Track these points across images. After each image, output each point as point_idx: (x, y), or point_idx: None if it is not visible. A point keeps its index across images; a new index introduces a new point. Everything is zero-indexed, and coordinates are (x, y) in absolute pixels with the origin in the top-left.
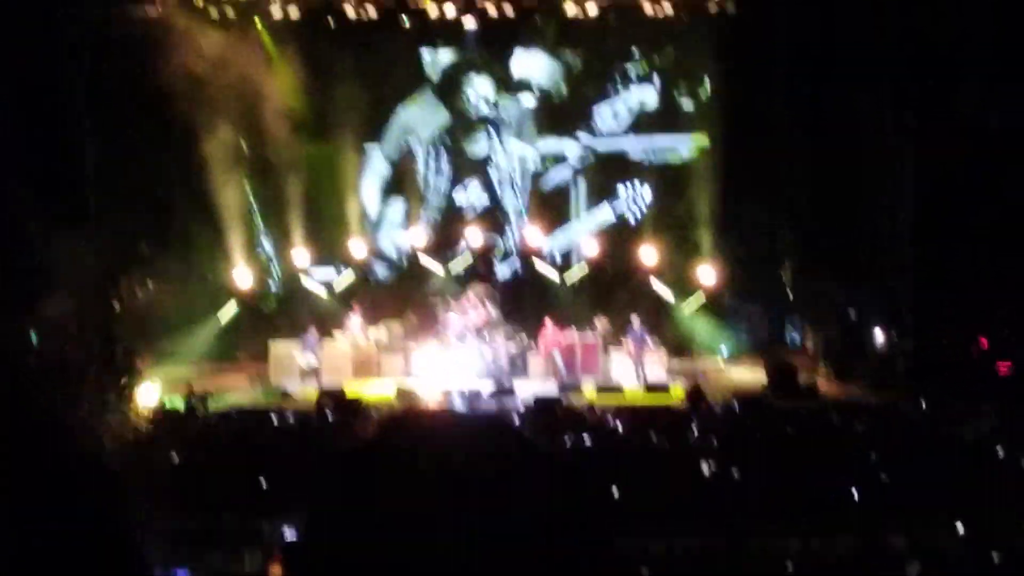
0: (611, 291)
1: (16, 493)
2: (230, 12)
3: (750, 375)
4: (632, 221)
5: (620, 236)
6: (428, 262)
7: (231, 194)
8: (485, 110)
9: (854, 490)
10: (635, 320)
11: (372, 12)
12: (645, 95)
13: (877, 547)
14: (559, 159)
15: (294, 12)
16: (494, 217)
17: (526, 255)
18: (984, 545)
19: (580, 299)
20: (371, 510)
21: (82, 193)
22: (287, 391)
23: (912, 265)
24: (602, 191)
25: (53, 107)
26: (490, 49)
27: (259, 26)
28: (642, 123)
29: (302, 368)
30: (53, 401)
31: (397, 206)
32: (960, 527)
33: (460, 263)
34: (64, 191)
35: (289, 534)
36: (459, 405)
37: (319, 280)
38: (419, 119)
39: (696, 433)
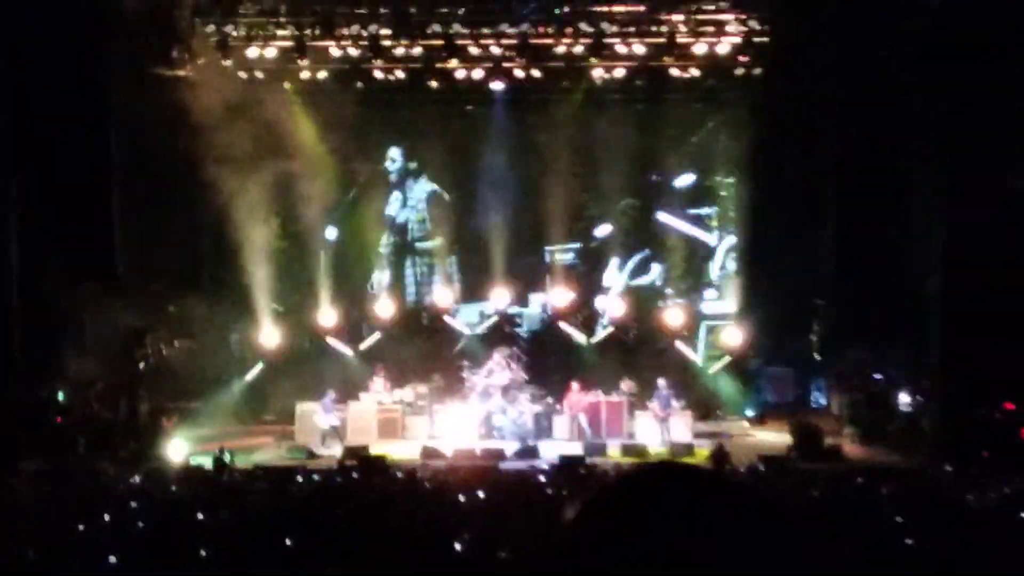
0: (637, 353)
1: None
2: (259, 73)
3: (775, 437)
4: (656, 281)
5: (646, 298)
6: (454, 323)
7: (258, 255)
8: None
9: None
10: (661, 382)
11: (400, 75)
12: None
13: None
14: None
15: (322, 75)
16: (522, 279)
17: (552, 317)
18: None
19: (606, 361)
20: None
21: (110, 254)
22: (312, 450)
23: (938, 329)
24: (629, 255)
25: (82, 168)
26: (517, 111)
27: (288, 87)
28: (671, 197)
29: (323, 429)
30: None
31: (421, 268)
32: None
33: (486, 324)
34: (92, 252)
35: None
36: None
37: (344, 341)
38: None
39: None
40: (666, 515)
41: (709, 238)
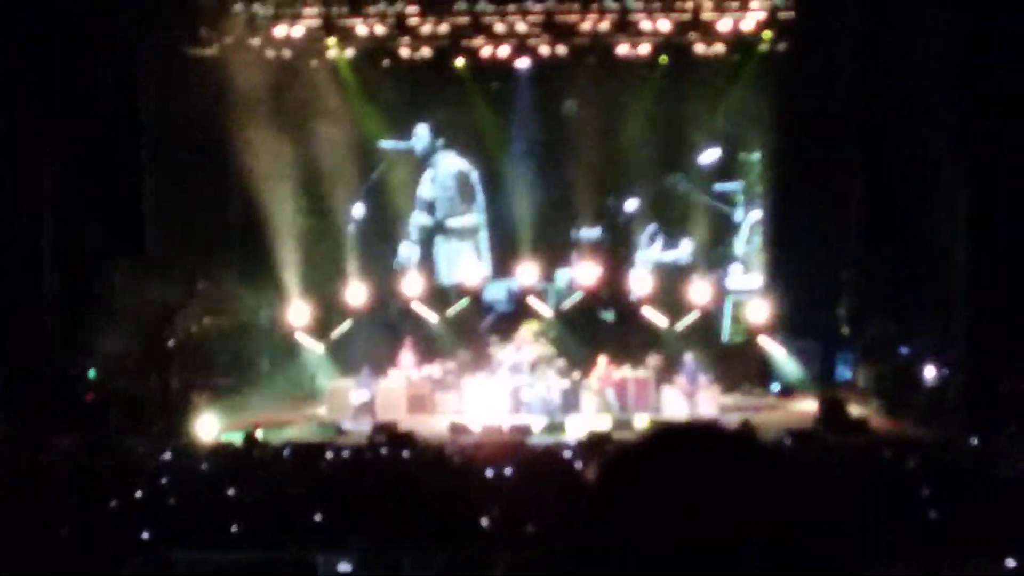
0: (663, 328)
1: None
2: (287, 52)
3: (802, 410)
4: (684, 258)
5: (673, 274)
6: (483, 300)
7: (287, 232)
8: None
9: (904, 525)
10: (688, 356)
11: (427, 53)
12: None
13: None
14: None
15: (349, 52)
16: (550, 255)
17: (580, 292)
18: None
19: (633, 336)
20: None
21: (140, 230)
22: (342, 427)
23: (965, 301)
24: (660, 232)
25: (113, 144)
26: (543, 89)
27: (315, 65)
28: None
29: (355, 405)
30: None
31: (450, 246)
32: (1010, 562)
33: (514, 300)
34: (123, 228)
35: (343, 567)
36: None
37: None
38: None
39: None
40: (688, 475)
41: (734, 212)
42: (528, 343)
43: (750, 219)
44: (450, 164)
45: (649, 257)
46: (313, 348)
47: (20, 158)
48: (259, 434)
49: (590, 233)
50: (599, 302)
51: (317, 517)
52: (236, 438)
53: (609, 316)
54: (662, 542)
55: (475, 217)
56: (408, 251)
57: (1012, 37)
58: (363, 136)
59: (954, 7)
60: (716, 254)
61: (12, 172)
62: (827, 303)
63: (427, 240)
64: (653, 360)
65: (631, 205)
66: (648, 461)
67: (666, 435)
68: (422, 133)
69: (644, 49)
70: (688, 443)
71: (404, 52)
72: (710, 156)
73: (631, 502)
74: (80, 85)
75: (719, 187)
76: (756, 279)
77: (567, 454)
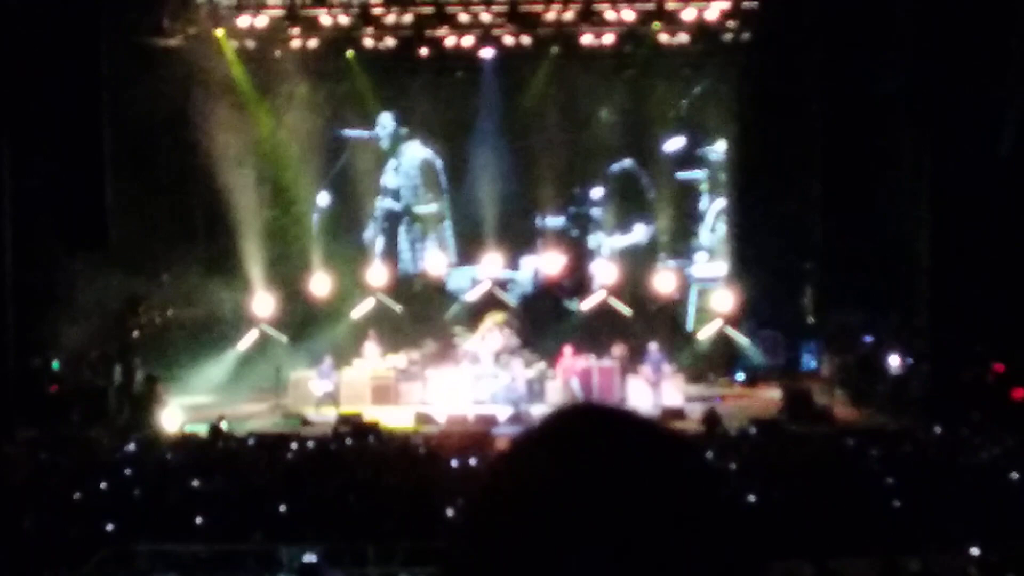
0: (628, 318)
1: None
2: (250, 43)
3: (766, 400)
4: (647, 244)
5: (637, 263)
6: (447, 289)
7: (251, 222)
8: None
9: (868, 513)
10: (652, 346)
11: (391, 43)
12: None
13: (892, 570)
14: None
15: (313, 43)
16: (514, 244)
17: (544, 282)
18: (997, 569)
19: (598, 325)
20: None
21: (103, 221)
22: (306, 417)
23: (928, 291)
24: (620, 219)
25: (76, 135)
26: (507, 79)
27: (279, 55)
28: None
29: (317, 396)
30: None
31: (414, 234)
32: (974, 551)
33: (478, 289)
34: (85, 219)
35: (308, 558)
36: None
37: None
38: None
39: (711, 458)
40: (576, 459)
41: (699, 200)
42: (493, 333)
43: (714, 208)
44: (414, 152)
45: (610, 244)
46: (278, 339)
47: None
48: (224, 425)
49: (555, 222)
50: (563, 291)
51: (282, 508)
52: (201, 429)
53: (574, 305)
54: (549, 529)
55: (439, 206)
56: (372, 239)
57: (974, 25)
58: (327, 125)
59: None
60: (679, 242)
61: None
62: (791, 293)
63: (391, 229)
64: (618, 350)
65: (596, 193)
66: (537, 448)
67: (555, 422)
68: (386, 122)
69: (608, 39)
70: (577, 428)
71: (368, 42)
72: (674, 145)
73: (520, 491)
74: (41, 75)
75: (682, 175)
76: (721, 268)
77: None
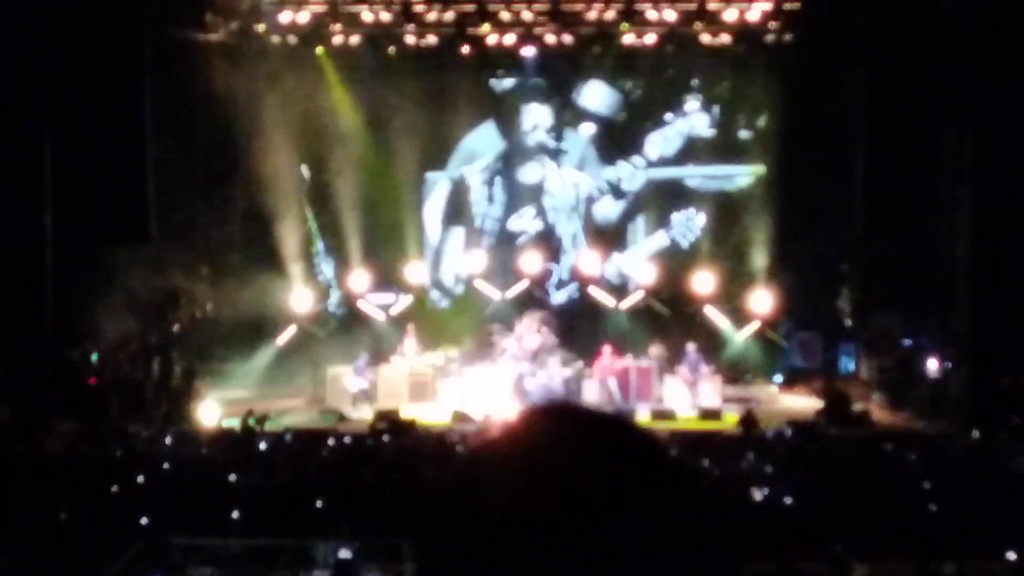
0: (666, 318)
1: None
2: (291, 39)
3: (804, 402)
4: (684, 246)
5: (675, 263)
6: (484, 288)
7: (291, 218)
8: (542, 138)
9: (905, 517)
10: (690, 347)
11: (433, 40)
12: (696, 122)
13: (927, 574)
14: (615, 187)
15: (354, 40)
16: (549, 244)
17: (582, 282)
18: None
19: (635, 326)
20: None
21: (144, 214)
22: (343, 414)
23: (968, 294)
24: (658, 218)
25: (117, 128)
26: (548, 77)
27: (320, 53)
28: (697, 151)
29: (353, 393)
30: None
31: (455, 233)
32: (1010, 556)
33: (516, 289)
34: (126, 212)
35: (343, 554)
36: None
37: (377, 305)
38: (477, 147)
39: (748, 460)
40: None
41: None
42: (531, 331)
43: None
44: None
45: (649, 244)
46: (317, 334)
47: (22, 142)
48: (261, 421)
49: (593, 219)
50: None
51: (318, 504)
52: (237, 424)
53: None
54: (520, 530)
55: (480, 206)
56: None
57: (1020, 29)
58: (368, 126)
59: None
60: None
61: (14, 156)
62: (830, 295)
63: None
64: (656, 350)
65: (619, 199)
66: (508, 447)
67: (523, 423)
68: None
69: (650, 39)
70: (551, 427)
71: (410, 39)
72: (688, 124)
73: (491, 490)
74: (84, 69)
75: (719, 171)
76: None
77: None
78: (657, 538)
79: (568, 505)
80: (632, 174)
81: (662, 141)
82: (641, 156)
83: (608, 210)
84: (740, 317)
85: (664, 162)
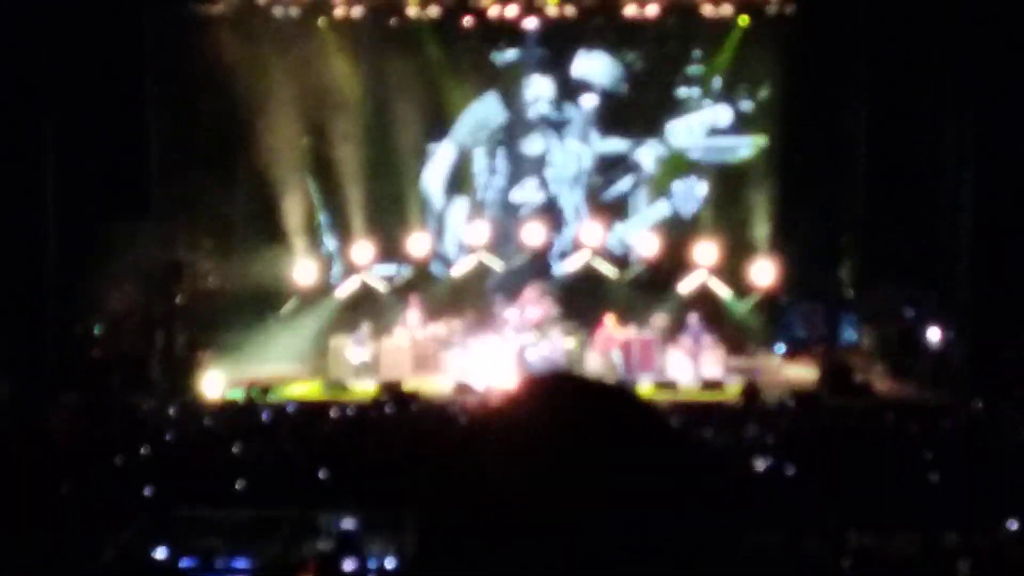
0: (668, 288)
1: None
2: (293, 11)
3: (806, 373)
4: (687, 217)
5: (677, 234)
6: (486, 259)
7: (294, 191)
8: (544, 110)
9: (907, 487)
10: (692, 317)
11: (434, 12)
12: (721, 113)
13: (929, 544)
14: (618, 158)
15: (357, 12)
16: (552, 215)
17: (584, 252)
18: None
19: (638, 296)
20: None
21: (146, 186)
22: (346, 385)
23: (970, 264)
24: (659, 189)
25: (118, 100)
26: (551, 49)
27: (323, 25)
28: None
29: (355, 364)
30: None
31: (457, 204)
32: (1012, 526)
33: (518, 260)
34: (128, 184)
35: (347, 524)
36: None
37: (379, 276)
38: (479, 118)
39: (750, 430)
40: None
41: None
42: (533, 303)
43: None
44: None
45: (651, 214)
46: (321, 305)
47: (23, 118)
48: (264, 392)
49: (595, 191)
50: (602, 261)
51: (321, 475)
52: (241, 395)
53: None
54: (520, 504)
55: (482, 176)
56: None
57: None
58: (370, 97)
59: None
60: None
61: (15, 129)
62: (831, 265)
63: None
64: (659, 320)
65: (634, 165)
66: (509, 415)
67: (522, 393)
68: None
69: (652, 10)
70: (551, 397)
71: (411, 12)
72: (713, 115)
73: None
74: (84, 42)
75: (719, 142)
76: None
77: None
78: (657, 508)
79: (568, 475)
80: (635, 146)
81: (686, 131)
82: (660, 139)
83: (610, 182)
84: (742, 288)
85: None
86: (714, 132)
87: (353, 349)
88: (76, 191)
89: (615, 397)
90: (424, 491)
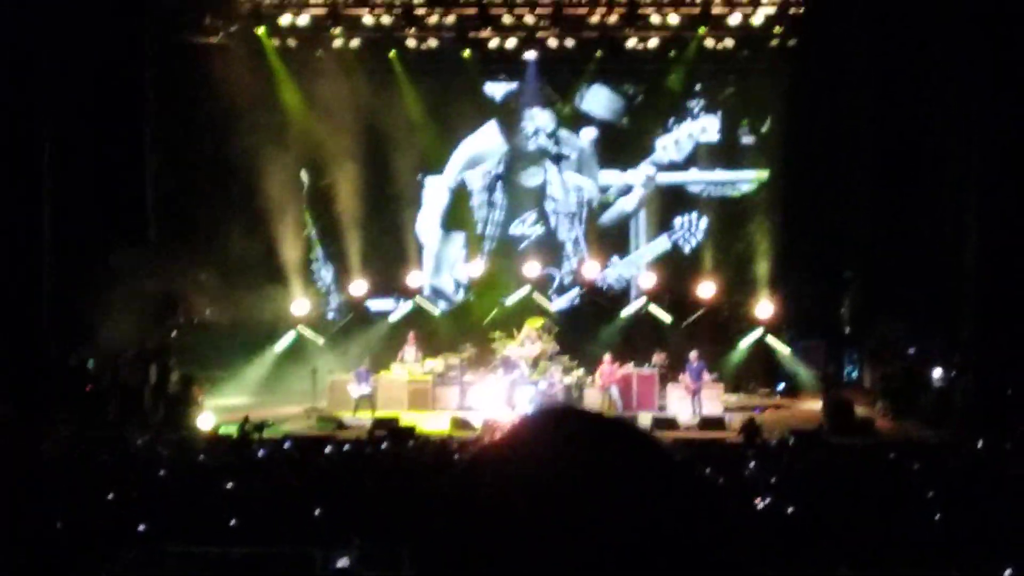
0: (668, 325)
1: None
2: (291, 42)
3: (807, 410)
4: (686, 251)
5: (678, 269)
6: (485, 294)
7: (291, 224)
8: (544, 142)
9: (908, 527)
10: (692, 355)
11: (434, 44)
12: (707, 124)
13: None
14: (618, 191)
15: (355, 43)
16: (551, 250)
17: (584, 288)
18: None
19: (638, 333)
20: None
21: (143, 220)
22: (342, 421)
23: (973, 302)
24: (660, 223)
25: (116, 131)
26: (550, 81)
27: (321, 56)
28: (702, 156)
29: (355, 399)
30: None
31: (455, 238)
32: (1011, 569)
33: (518, 295)
34: (124, 218)
35: (342, 562)
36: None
37: (376, 311)
38: (478, 151)
39: (751, 468)
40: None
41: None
42: (532, 339)
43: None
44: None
45: (650, 250)
46: (315, 341)
47: (21, 144)
48: (259, 428)
49: (594, 226)
50: (601, 296)
51: (316, 512)
52: (235, 431)
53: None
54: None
55: (481, 210)
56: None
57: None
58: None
59: (965, 9)
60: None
61: (13, 158)
62: (832, 302)
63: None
64: (658, 357)
65: (632, 200)
66: (508, 449)
67: (524, 426)
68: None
69: (653, 43)
70: (553, 431)
71: (411, 43)
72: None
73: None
74: (83, 71)
75: (722, 176)
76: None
77: None
78: (658, 540)
79: (571, 508)
80: (635, 178)
81: (674, 145)
82: (650, 160)
83: (610, 215)
84: (743, 324)
85: (672, 167)
86: (703, 147)
87: (354, 385)
88: (74, 221)
89: (615, 429)
90: (424, 525)
